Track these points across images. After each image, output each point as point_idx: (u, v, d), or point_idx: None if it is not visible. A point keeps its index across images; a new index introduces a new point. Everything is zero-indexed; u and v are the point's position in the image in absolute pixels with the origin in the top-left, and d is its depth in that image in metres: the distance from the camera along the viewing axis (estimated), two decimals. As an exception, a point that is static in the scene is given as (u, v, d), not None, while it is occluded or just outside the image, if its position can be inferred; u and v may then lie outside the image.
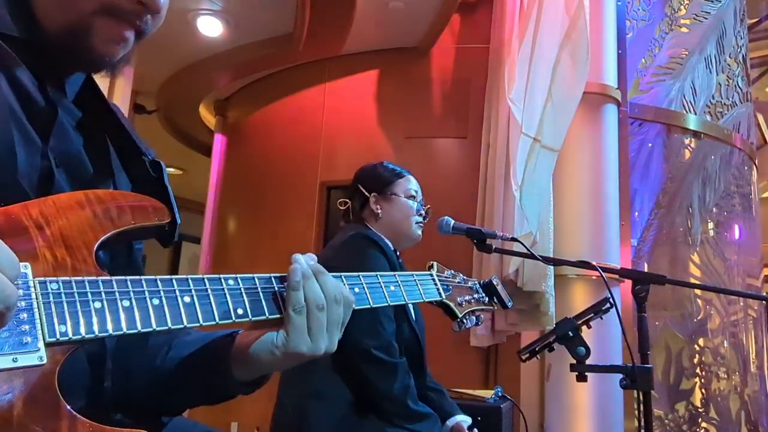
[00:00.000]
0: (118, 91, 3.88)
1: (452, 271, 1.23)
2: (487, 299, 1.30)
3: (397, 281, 0.98)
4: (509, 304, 1.35)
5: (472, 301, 1.24)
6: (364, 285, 0.91)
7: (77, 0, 0.74)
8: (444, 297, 1.14)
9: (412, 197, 1.97)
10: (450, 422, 1.92)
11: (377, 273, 0.95)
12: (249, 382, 0.82)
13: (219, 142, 5.24)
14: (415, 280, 1.04)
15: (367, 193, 1.97)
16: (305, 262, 0.79)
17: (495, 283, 1.32)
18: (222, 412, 4.25)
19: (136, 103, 5.32)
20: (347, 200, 2.05)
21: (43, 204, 0.66)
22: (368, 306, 0.89)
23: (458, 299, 1.19)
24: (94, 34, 0.75)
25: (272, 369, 0.81)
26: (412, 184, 2.00)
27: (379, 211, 1.94)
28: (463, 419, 1.94)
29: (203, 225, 5.19)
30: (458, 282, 1.22)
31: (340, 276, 0.86)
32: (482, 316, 1.28)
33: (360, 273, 0.91)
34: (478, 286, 1.30)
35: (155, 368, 0.85)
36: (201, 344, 0.85)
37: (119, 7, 0.76)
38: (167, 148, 6.22)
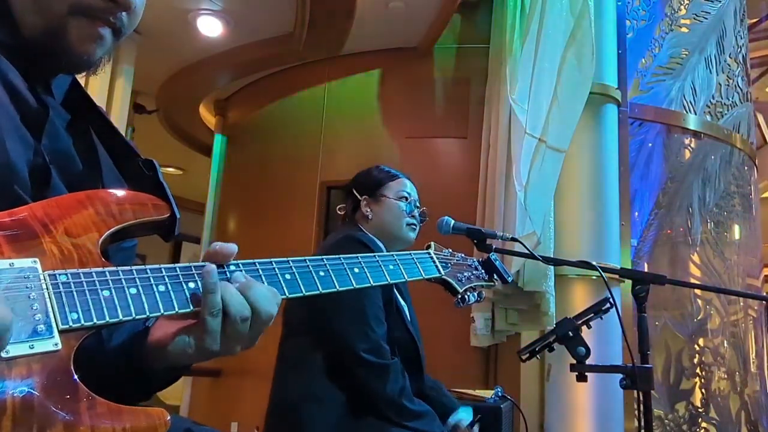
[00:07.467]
0: (118, 91, 3.87)
1: (450, 250, 1.25)
2: (487, 276, 1.33)
3: (396, 260, 1.01)
4: (509, 279, 1.38)
5: (472, 277, 1.27)
6: (363, 265, 0.94)
7: (51, 2, 0.77)
8: (443, 273, 1.16)
9: (404, 199, 1.96)
10: (452, 420, 1.92)
11: (376, 254, 0.98)
12: (176, 367, 0.80)
13: (219, 142, 5.23)
14: (413, 258, 1.08)
15: (359, 196, 1.98)
16: (241, 276, 0.77)
17: (494, 259, 1.36)
18: (222, 411, 4.25)
19: (136, 103, 5.31)
20: (344, 204, 2.05)
21: (47, 205, 0.69)
22: (369, 285, 0.93)
23: (458, 275, 1.22)
24: (70, 34, 0.78)
25: (191, 362, 0.80)
26: (404, 186, 1.99)
27: (369, 213, 1.95)
28: (464, 417, 1.94)
29: (203, 225, 5.19)
30: (457, 260, 1.25)
31: (339, 258, 0.90)
32: (483, 292, 1.31)
33: (358, 255, 0.94)
34: (477, 263, 1.33)
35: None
36: (120, 340, 0.83)
37: (91, 5, 0.78)
38: (167, 148, 6.21)
